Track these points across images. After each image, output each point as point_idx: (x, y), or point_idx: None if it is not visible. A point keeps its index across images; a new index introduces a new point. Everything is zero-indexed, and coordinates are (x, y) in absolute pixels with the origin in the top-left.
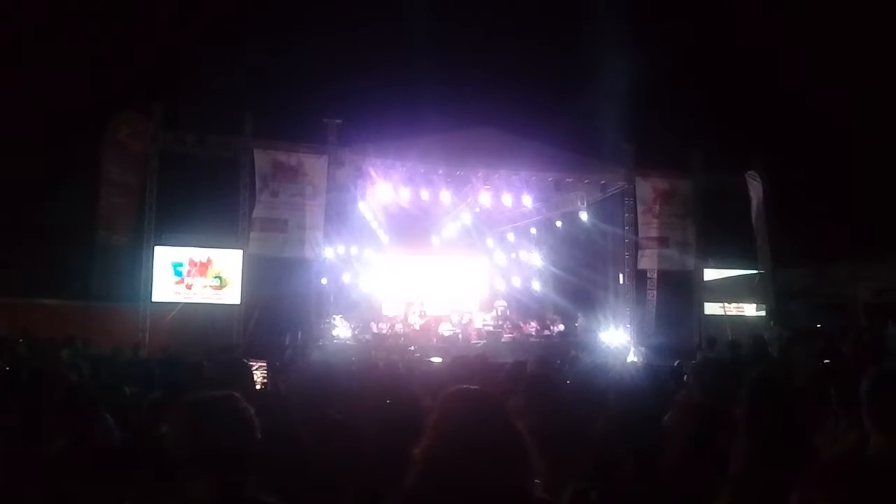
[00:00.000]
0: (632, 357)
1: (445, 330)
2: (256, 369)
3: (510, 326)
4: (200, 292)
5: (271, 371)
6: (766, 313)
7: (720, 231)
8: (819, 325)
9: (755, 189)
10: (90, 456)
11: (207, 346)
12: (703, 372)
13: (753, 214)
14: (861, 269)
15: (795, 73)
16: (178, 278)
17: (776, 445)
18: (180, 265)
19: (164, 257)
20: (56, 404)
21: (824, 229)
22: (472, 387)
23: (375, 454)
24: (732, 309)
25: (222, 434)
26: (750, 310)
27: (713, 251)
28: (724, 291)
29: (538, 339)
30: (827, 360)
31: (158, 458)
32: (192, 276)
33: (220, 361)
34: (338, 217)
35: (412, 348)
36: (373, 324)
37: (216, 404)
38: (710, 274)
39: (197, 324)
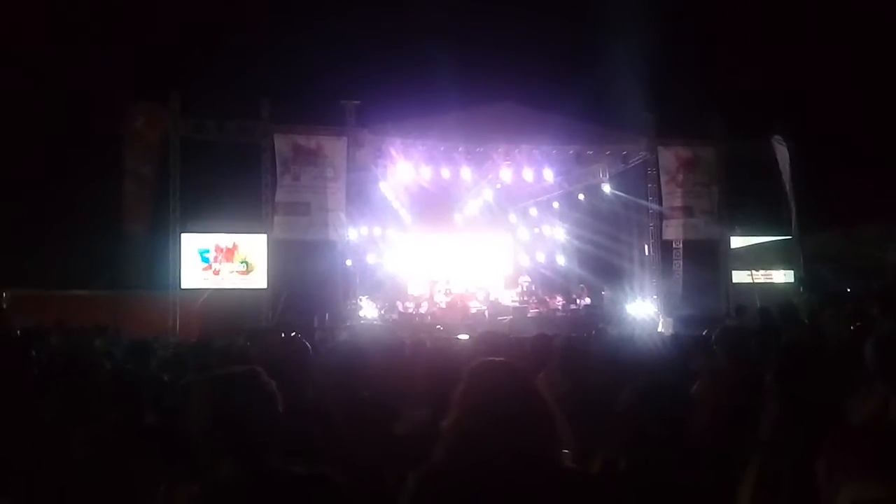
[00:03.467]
0: (659, 328)
1: (472, 307)
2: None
3: (536, 301)
4: (228, 278)
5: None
6: (795, 279)
7: (745, 197)
8: (849, 290)
9: (781, 153)
10: (127, 440)
11: (238, 330)
12: (729, 340)
13: (784, 179)
14: (890, 231)
15: (818, 32)
16: (205, 265)
17: (806, 411)
18: (207, 252)
19: (191, 244)
20: (93, 391)
21: (851, 192)
22: (497, 359)
23: (407, 431)
24: (760, 276)
25: (241, 409)
26: (778, 276)
27: (739, 218)
28: (752, 259)
29: (564, 314)
30: (858, 324)
31: (186, 438)
32: (218, 261)
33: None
34: (360, 198)
35: (439, 327)
36: (399, 303)
37: (234, 379)
38: (737, 241)
39: (226, 309)
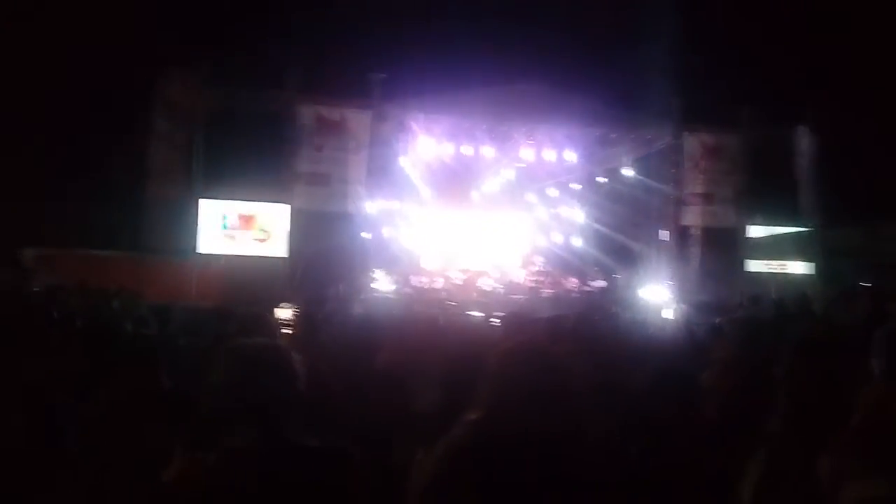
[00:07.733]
0: (672, 314)
1: (486, 285)
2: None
3: (550, 282)
4: (246, 245)
5: (309, 321)
6: (814, 272)
7: (767, 187)
8: (867, 285)
9: (806, 144)
10: (147, 404)
11: (255, 297)
12: (743, 329)
13: (802, 170)
14: None
15: (848, 23)
16: (224, 231)
17: (815, 406)
18: (226, 218)
19: (211, 211)
20: (113, 353)
21: (875, 187)
22: (529, 340)
23: (420, 409)
24: (778, 267)
25: (263, 382)
26: (796, 268)
27: (760, 208)
28: (770, 249)
29: (578, 295)
30: (871, 319)
31: (203, 405)
32: (237, 229)
33: (243, 315)
34: (380, 172)
35: (452, 303)
36: (413, 278)
37: (259, 352)
38: (757, 231)
39: (244, 277)
